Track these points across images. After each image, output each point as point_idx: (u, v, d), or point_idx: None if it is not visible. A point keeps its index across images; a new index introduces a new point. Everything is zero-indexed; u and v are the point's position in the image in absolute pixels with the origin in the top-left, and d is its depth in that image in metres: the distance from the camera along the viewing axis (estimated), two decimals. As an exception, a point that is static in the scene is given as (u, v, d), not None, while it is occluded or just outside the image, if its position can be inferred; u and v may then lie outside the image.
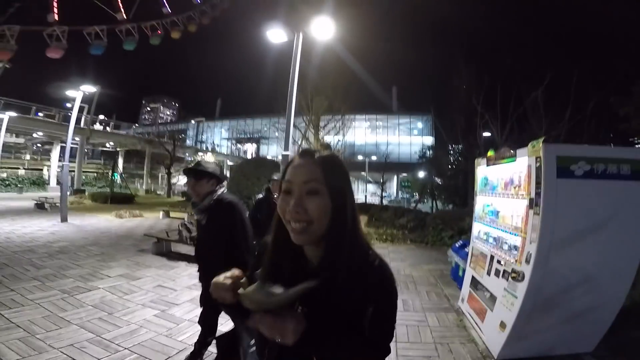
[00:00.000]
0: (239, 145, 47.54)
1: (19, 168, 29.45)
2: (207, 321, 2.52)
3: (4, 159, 21.23)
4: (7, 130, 17.33)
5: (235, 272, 0.80)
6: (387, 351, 0.81)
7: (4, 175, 22.82)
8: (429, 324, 3.45)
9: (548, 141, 2.35)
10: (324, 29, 5.78)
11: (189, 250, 6.04)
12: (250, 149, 46.21)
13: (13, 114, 18.03)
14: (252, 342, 1.87)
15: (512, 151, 2.83)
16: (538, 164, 2.38)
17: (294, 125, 10.23)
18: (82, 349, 2.66)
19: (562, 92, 10.92)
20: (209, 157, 31.66)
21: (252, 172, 10.84)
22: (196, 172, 2.25)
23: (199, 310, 3.58)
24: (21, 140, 31.41)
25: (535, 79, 11.33)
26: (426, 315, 3.68)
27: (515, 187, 2.82)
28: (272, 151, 40.90)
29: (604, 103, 10.99)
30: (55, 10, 25.53)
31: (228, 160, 38.61)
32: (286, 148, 5.70)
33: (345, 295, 0.75)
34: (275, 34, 5.91)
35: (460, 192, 13.52)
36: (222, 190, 2.30)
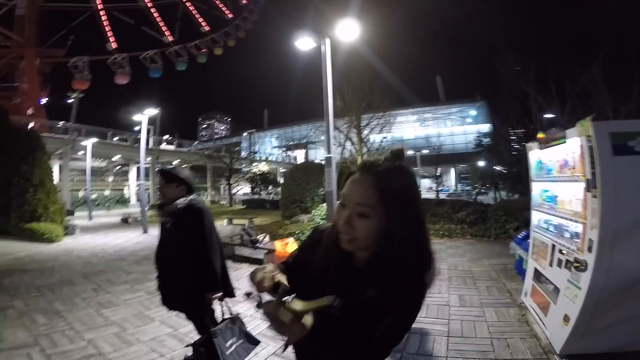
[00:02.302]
0: (288, 152, 49.06)
1: (104, 189, 33.83)
2: (201, 324, 2.32)
3: (92, 182, 24.61)
4: (91, 155, 19.85)
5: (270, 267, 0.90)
6: (385, 356, 0.87)
7: (94, 196, 26.34)
8: (487, 319, 3.32)
9: (598, 119, 2.16)
10: (350, 30, 5.82)
11: (250, 253, 6.58)
12: (299, 155, 47.42)
13: (95, 140, 20.22)
14: (229, 343, 2.05)
15: (562, 132, 2.64)
16: (590, 143, 2.20)
17: (336, 128, 10.38)
18: (162, 342, 3.08)
19: (626, 66, 9.53)
20: (263, 166, 33.17)
21: (301, 177, 11.17)
22: (167, 175, 2.22)
23: (259, 306, 3.90)
24: (104, 164, 36.05)
25: (590, 54, 10.06)
26: (484, 310, 3.54)
27: (570, 169, 2.62)
28: (320, 154, 41.50)
29: None
30: (112, 39, 28.73)
31: (280, 168, 40.08)
32: (328, 151, 5.85)
33: (374, 301, 0.81)
34: (303, 42, 6.07)
35: (524, 180, 12.46)
36: (192, 197, 2.26)
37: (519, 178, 13.25)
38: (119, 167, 39.63)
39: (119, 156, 29.82)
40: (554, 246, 2.94)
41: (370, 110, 10.39)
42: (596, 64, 9.78)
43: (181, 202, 2.17)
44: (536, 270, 3.32)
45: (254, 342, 2.22)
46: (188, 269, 2.11)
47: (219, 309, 2.25)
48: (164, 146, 32.38)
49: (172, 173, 2.23)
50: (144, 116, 12.62)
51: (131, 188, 30.20)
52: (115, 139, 27.79)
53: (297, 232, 7.96)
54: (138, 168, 25.07)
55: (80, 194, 27.26)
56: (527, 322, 3.17)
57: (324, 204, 7.93)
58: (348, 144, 10.91)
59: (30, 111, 27.93)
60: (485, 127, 29.22)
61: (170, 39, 31.81)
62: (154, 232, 11.15)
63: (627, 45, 9.78)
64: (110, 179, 39.89)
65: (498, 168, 17.28)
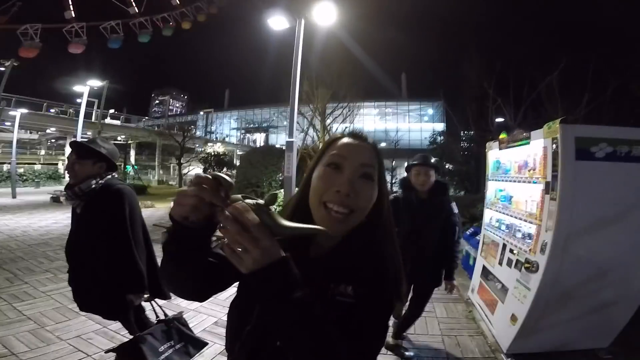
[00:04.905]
0: (248, 135, 47.56)
1: (35, 163, 30.17)
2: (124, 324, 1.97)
3: (21, 155, 21.81)
4: (21, 127, 17.72)
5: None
6: (375, 354, 0.65)
7: (21, 170, 23.36)
8: (437, 315, 3.35)
9: (567, 122, 2.15)
10: (327, 14, 5.68)
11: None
12: (259, 138, 46.23)
13: (25, 111, 18.17)
14: (162, 348, 1.74)
15: (525, 133, 2.64)
16: (555, 146, 2.19)
17: (301, 113, 10.13)
18: (89, 340, 2.70)
19: (579, 76, 10.47)
20: (219, 147, 31.81)
21: (259, 160, 10.73)
22: (82, 149, 1.80)
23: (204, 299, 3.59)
24: (35, 136, 32.19)
25: (550, 63, 10.88)
26: (434, 305, 3.57)
27: (529, 171, 2.64)
28: (281, 140, 40.72)
29: (623, 88, 10.52)
30: (72, 7, 25.90)
31: (238, 150, 38.75)
32: (290, 135, 5.59)
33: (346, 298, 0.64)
34: (276, 21, 5.79)
35: (472, 178, 13.32)
36: (112, 176, 1.86)
37: (467, 176, 14.12)
38: (54, 140, 35.56)
39: (54, 129, 26.80)
40: (504, 245, 2.98)
41: (336, 99, 10.28)
42: (556, 72, 10.55)
43: (95, 182, 1.75)
44: (484, 268, 3.39)
45: (197, 345, 1.91)
46: (102, 264, 1.73)
47: (152, 310, 1.93)
48: (108, 120, 29.55)
49: (87, 146, 1.79)
50: (85, 87, 11.33)
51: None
52: (52, 110, 24.91)
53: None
54: (76, 141, 22.59)
55: (5, 167, 23.97)
56: (474, 319, 3.23)
57: (282, 190, 7.70)
58: (311, 131, 10.74)
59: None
60: (440, 126, 30.66)
61: (137, 10, 29.10)
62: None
63: (585, 54, 10.72)
64: (42, 152, 35.67)
65: (448, 165, 18.23)
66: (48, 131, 28.37)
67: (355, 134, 0.74)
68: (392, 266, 0.69)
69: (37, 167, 28.47)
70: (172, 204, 0.56)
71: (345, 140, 0.71)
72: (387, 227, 0.72)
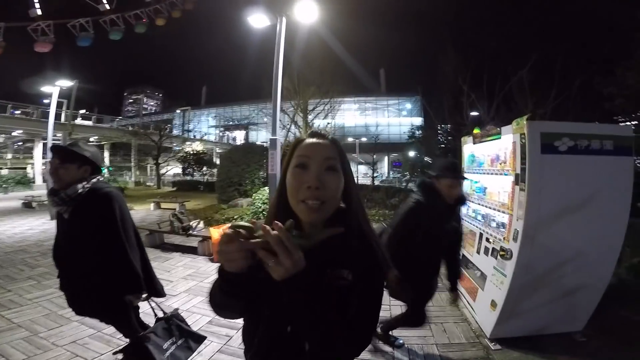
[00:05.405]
0: (227, 133, 46.77)
1: (1, 168, 28.60)
2: (125, 326, 2.00)
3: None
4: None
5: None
6: (367, 340, 0.78)
7: (-13, 175, 22.17)
8: (423, 303, 3.51)
9: (533, 118, 2.34)
10: (308, 11, 5.70)
11: (183, 240, 6.13)
12: (239, 136, 45.58)
13: None
14: (166, 345, 1.84)
15: (497, 129, 2.83)
16: (522, 141, 2.37)
17: (282, 110, 10.14)
18: (85, 345, 2.70)
19: (548, 72, 11.10)
20: (197, 146, 31.18)
21: (240, 158, 10.61)
22: (65, 153, 1.76)
23: (196, 300, 3.62)
24: (0, 139, 30.51)
25: (521, 59, 11.46)
26: (419, 294, 3.75)
27: (501, 164, 2.83)
28: (262, 137, 40.41)
29: (588, 83, 11.26)
30: (37, 5, 24.66)
31: (217, 148, 38.11)
32: (274, 133, 5.62)
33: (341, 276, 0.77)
34: (257, 19, 5.77)
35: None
36: (97, 179, 1.85)
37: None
38: (21, 143, 33.81)
39: (20, 131, 25.43)
40: (481, 235, 3.18)
41: (318, 95, 10.38)
42: (526, 69, 11.11)
43: (82, 186, 1.74)
44: (464, 257, 3.58)
45: (197, 339, 1.99)
46: (97, 269, 1.75)
47: (150, 310, 1.98)
48: (79, 121, 28.32)
49: (70, 150, 1.77)
50: (54, 87, 10.78)
51: (36, 167, 25.92)
52: (17, 112, 23.66)
53: (235, 217, 7.59)
54: (44, 144, 21.67)
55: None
56: (457, 306, 3.41)
57: (266, 188, 7.67)
58: (293, 128, 10.79)
59: None
60: (418, 120, 31.31)
61: (108, 6, 27.84)
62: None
63: (553, 51, 11.35)
64: (9, 156, 33.81)
65: (427, 158, 18.72)
66: (14, 134, 26.92)
67: (315, 134, 0.85)
68: (374, 241, 0.82)
69: (4, 171, 27.04)
70: (216, 256, 0.69)
71: (307, 141, 0.82)
72: (360, 209, 0.84)
